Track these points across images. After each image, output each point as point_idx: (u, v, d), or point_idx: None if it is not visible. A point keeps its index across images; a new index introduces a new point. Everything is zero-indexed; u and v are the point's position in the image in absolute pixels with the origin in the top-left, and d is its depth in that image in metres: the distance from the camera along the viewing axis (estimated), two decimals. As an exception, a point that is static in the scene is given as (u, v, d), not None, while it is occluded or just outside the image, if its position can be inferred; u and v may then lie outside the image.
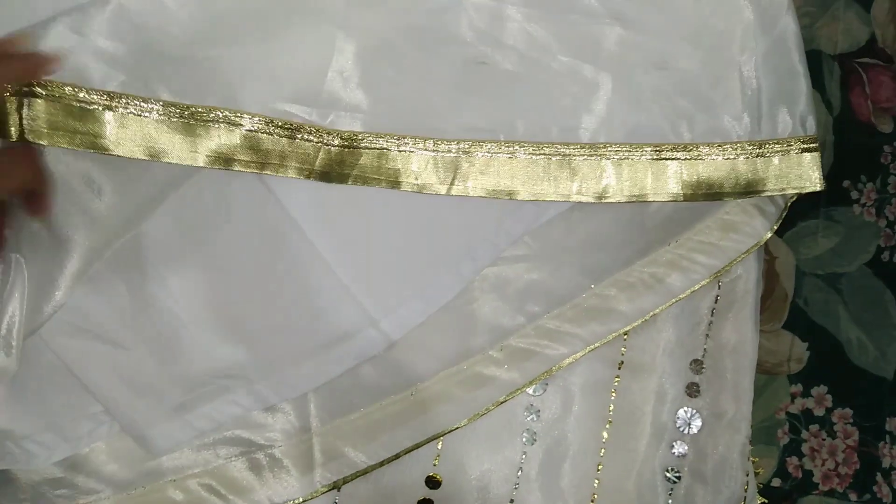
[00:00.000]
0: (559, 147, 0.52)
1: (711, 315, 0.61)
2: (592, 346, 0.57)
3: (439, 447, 0.58)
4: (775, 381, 0.63)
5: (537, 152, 0.52)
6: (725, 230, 0.59)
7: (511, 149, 0.52)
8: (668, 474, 0.59)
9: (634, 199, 0.53)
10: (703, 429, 0.60)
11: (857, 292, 0.65)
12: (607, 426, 0.59)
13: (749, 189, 0.53)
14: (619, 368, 0.60)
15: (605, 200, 0.53)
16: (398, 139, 0.51)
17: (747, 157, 0.53)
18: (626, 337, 0.59)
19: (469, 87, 0.51)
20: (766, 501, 0.60)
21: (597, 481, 0.58)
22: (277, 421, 0.58)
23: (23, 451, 0.54)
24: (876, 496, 0.62)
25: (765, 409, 0.62)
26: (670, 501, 0.59)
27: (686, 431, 0.59)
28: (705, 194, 0.54)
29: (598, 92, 0.52)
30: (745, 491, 0.60)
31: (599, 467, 0.59)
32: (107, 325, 0.54)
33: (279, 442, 0.57)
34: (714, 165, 0.54)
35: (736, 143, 0.53)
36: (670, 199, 0.53)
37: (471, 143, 0.51)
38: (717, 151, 0.53)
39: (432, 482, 0.56)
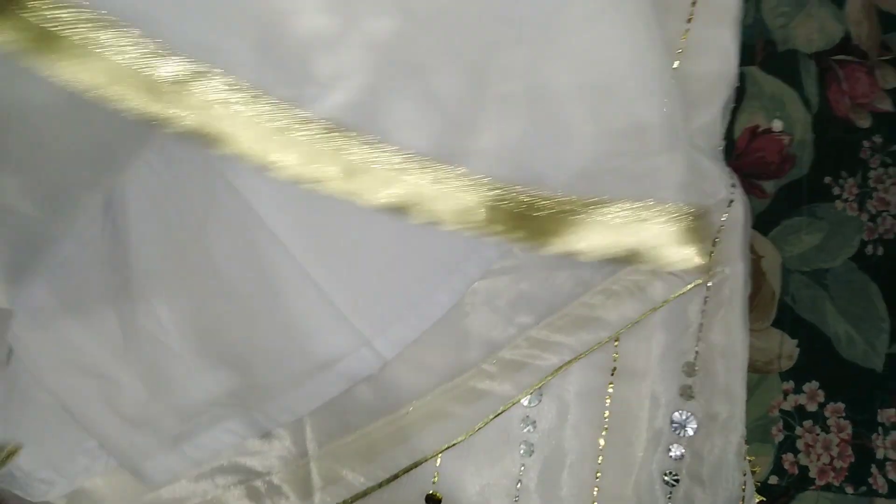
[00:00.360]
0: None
1: (701, 317, 0.61)
2: (582, 355, 0.57)
3: (437, 464, 0.58)
4: (767, 379, 0.63)
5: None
6: None
7: None
8: (666, 478, 0.59)
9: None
10: (698, 431, 0.60)
11: (844, 287, 0.66)
12: (604, 433, 0.59)
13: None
14: (613, 375, 0.60)
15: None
16: None
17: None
18: (617, 343, 0.59)
19: None
20: (765, 500, 0.61)
21: (596, 489, 0.59)
22: (274, 447, 0.57)
23: (27, 483, 0.54)
24: (872, 488, 0.63)
25: (758, 408, 0.63)
26: (670, 504, 0.59)
27: (682, 434, 0.60)
28: None
29: None
30: (744, 491, 0.61)
31: (598, 474, 0.59)
32: (99, 358, 0.54)
33: (277, 468, 0.57)
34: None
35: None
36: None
37: None
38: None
39: (432, 500, 0.56)
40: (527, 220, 0.52)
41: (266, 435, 0.56)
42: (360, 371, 0.55)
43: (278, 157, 0.46)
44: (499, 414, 0.57)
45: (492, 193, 0.51)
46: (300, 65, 0.47)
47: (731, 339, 0.61)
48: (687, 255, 0.53)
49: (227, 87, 0.45)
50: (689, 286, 0.57)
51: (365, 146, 0.48)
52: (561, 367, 0.57)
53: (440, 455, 0.57)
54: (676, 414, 0.60)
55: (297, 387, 0.55)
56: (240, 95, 0.46)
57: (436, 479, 0.57)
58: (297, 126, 0.47)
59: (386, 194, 0.49)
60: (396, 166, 0.49)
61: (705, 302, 0.61)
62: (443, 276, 0.56)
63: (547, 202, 0.52)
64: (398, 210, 0.49)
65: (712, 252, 0.55)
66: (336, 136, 0.48)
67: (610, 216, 0.52)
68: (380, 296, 0.54)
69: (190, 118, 0.45)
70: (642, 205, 0.53)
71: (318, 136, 0.47)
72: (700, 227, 0.53)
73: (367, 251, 0.55)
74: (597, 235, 0.52)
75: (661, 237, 0.53)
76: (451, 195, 0.50)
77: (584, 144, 0.53)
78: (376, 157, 0.49)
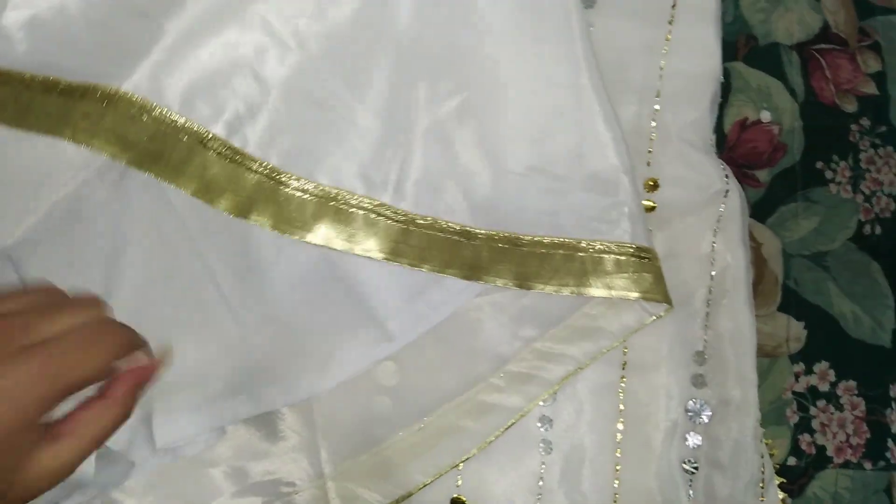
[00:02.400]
0: None
1: (707, 306, 0.63)
2: (585, 364, 0.59)
3: (460, 468, 0.59)
4: (778, 363, 0.65)
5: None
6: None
7: None
8: (685, 466, 0.61)
9: None
10: (713, 418, 0.62)
11: (845, 267, 0.68)
12: (620, 426, 0.61)
13: None
14: (624, 369, 0.62)
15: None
16: None
17: None
18: (626, 338, 0.61)
19: None
20: (785, 481, 0.63)
21: (617, 481, 0.60)
22: (292, 470, 0.59)
23: None
24: (890, 462, 0.64)
25: (772, 392, 0.64)
26: (691, 493, 0.60)
27: (697, 422, 0.61)
28: None
29: None
30: (763, 473, 0.62)
31: (618, 467, 0.61)
32: None
33: (296, 490, 0.58)
34: None
35: None
36: None
37: None
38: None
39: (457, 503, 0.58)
40: (457, 253, 0.54)
41: (284, 456, 0.57)
42: (373, 353, 0.57)
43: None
44: (509, 427, 0.58)
45: (417, 225, 0.54)
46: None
47: (738, 325, 0.63)
48: (633, 290, 0.56)
49: None
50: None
51: (292, 180, 0.52)
52: (566, 377, 0.59)
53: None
54: (690, 402, 0.62)
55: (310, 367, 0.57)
56: None
57: (459, 482, 0.59)
58: None
59: (314, 228, 0.53)
60: (320, 198, 0.53)
61: (710, 291, 0.63)
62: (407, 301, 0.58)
63: (481, 234, 0.55)
64: (327, 243, 0.53)
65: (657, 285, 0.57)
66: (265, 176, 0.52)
67: (553, 250, 0.56)
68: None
69: None
70: (586, 242, 0.56)
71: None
72: (648, 264, 0.56)
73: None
74: (532, 268, 0.55)
75: (605, 273, 0.55)
76: (376, 227, 0.53)
77: (517, 182, 0.56)
78: (300, 191, 0.52)
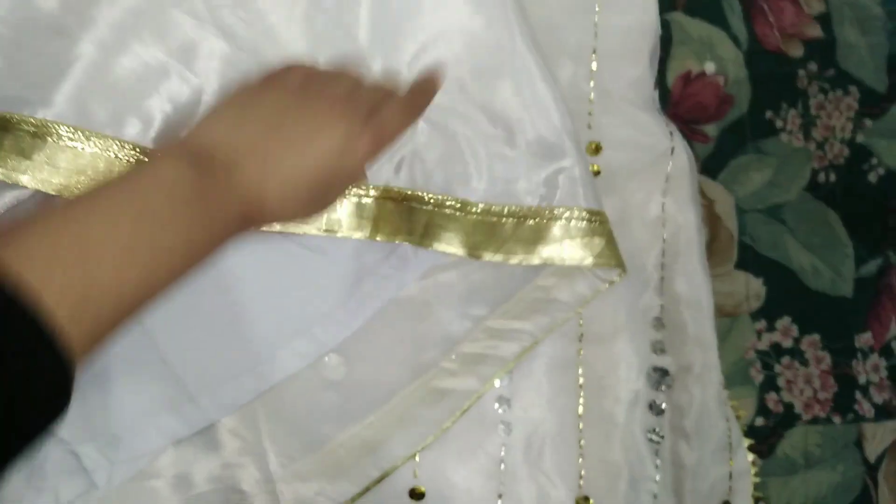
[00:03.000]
0: None
1: (661, 270, 0.61)
2: (540, 338, 0.57)
3: (417, 459, 0.57)
4: (739, 322, 0.64)
5: None
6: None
7: None
8: (650, 436, 0.59)
9: None
10: (675, 384, 0.60)
11: (802, 218, 0.66)
12: (581, 401, 0.60)
13: None
14: (581, 341, 0.60)
15: None
16: None
17: None
18: (583, 307, 0.59)
19: None
20: (754, 442, 0.61)
21: (581, 457, 0.59)
22: (240, 475, 0.57)
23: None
24: (858, 414, 0.64)
25: (734, 352, 0.63)
26: (658, 462, 0.59)
27: (659, 389, 0.60)
28: None
29: None
30: (730, 437, 0.61)
31: (581, 442, 0.59)
32: None
33: (245, 498, 0.56)
34: None
35: None
36: None
37: None
38: None
39: (415, 495, 0.56)
40: (408, 219, 0.53)
41: (231, 465, 0.56)
42: (298, 362, 0.55)
43: None
44: (465, 410, 0.56)
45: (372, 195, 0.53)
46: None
47: (693, 287, 0.61)
48: (584, 256, 0.53)
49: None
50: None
51: None
52: (522, 353, 0.57)
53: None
54: (651, 370, 0.60)
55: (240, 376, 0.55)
56: None
57: (416, 472, 0.57)
58: None
59: None
60: None
61: (663, 254, 0.62)
62: (286, 338, 0.56)
63: (431, 199, 0.53)
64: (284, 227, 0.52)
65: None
66: None
67: (503, 218, 0.54)
68: (215, 359, 0.55)
69: None
70: (535, 208, 0.54)
71: None
72: (598, 227, 0.53)
73: (208, 319, 0.55)
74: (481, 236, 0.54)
75: (554, 240, 0.54)
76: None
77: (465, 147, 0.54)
78: None
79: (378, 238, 0.53)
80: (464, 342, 0.58)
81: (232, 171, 0.39)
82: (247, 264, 0.53)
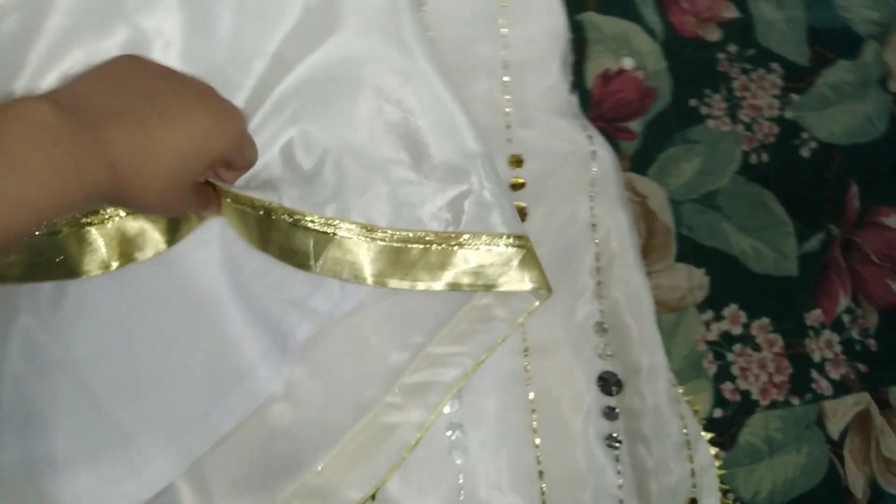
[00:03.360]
0: None
1: (598, 275, 0.61)
2: (484, 358, 0.57)
3: (374, 500, 0.57)
4: (685, 315, 0.63)
5: None
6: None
7: None
8: (608, 442, 0.59)
9: None
10: (625, 388, 0.60)
11: (737, 203, 0.66)
12: (534, 415, 0.59)
13: None
14: (527, 355, 0.60)
15: None
16: None
17: None
18: (521, 322, 0.58)
19: None
20: (714, 434, 0.61)
21: (541, 473, 0.58)
22: None
23: None
24: (817, 393, 0.63)
25: (684, 345, 0.63)
26: (619, 467, 0.59)
27: (611, 394, 0.60)
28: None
29: None
30: (686, 434, 0.60)
31: (539, 457, 0.59)
32: None
33: None
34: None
35: None
36: None
37: None
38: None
39: (374, 531, 0.56)
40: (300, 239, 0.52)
41: None
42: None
43: None
44: (416, 443, 0.56)
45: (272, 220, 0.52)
46: None
47: (632, 290, 0.61)
48: (522, 281, 0.53)
49: None
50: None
51: None
52: (466, 377, 0.57)
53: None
54: (600, 376, 0.60)
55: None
56: None
57: (374, 506, 0.57)
58: None
59: None
60: None
61: (597, 258, 0.61)
62: (232, 382, 0.55)
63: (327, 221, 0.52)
64: None
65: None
66: None
67: (410, 244, 0.53)
68: (165, 412, 0.54)
69: None
70: (444, 234, 0.53)
71: None
72: (517, 253, 0.53)
73: (153, 373, 0.54)
74: (386, 262, 0.53)
75: (463, 263, 0.53)
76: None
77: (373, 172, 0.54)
78: None
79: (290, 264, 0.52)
80: (406, 373, 0.58)
81: (101, 131, 0.37)
82: (161, 327, 0.52)
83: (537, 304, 0.56)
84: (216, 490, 0.55)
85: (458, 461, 0.57)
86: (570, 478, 0.59)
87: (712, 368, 0.63)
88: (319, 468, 0.55)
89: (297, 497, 0.55)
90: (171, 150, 0.40)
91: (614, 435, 0.59)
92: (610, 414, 0.59)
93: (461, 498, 0.57)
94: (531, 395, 0.59)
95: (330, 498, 0.55)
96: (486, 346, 0.57)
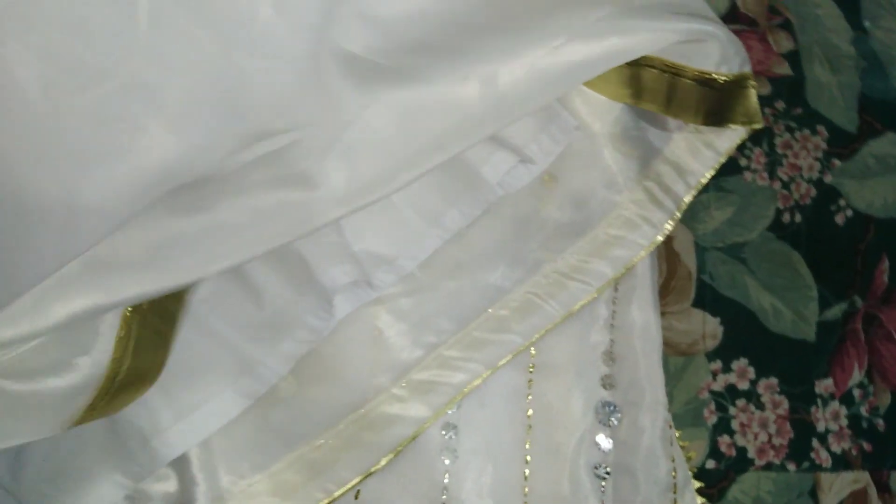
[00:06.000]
0: None
1: (613, 304, 0.64)
2: (493, 369, 0.60)
3: (357, 498, 0.60)
4: (693, 361, 0.66)
5: None
6: (611, 243, 0.63)
7: None
8: (597, 471, 0.61)
9: None
10: (622, 420, 0.62)
11: (763, 258, 0.69)
12: (529, 432, 0.62)
13: None
14: (532, 372, 0.63)
15: None
16: None
17: None
18: (536, 339, 0.62)
19: None
20: (703, 485, 0.63)
21: (527, 488, 0.61)
22: (193, 492, 0.59)
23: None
24: (815, 462, 0.66)
25: (687, 391, 0.66)
26: (603, 499, 0.61)
27: (607, 424, 0.62)
28: None
29: None
30: (674, 478, 0.63)
31: (527, 474, 0.62)
32: None
33: None
34: None
35: None
36: None
37: None
38: None
39: (356, 520, 0.59)
40: None
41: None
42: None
43: None
44: (415, 435, 0.59)
45: None
46: None
47: (644, 324, 0.65)
48: None
49: None
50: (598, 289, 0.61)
51: None
52: (474, 383, 0.60)
53: (359, 486, 0.59)
54: (599, 404, 0.62)
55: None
56: None
57: (358, 496, 0.60)
58: None
59: None
60: None
61: (615, 289, 0.64)
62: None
63: None
64: None
65: None
66: None
67: None
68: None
69: None
70: None
71: None
72: None
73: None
74: None
75: None
76: None
77: None
78: None
79: None
80: (414, 369, 0.61)
81: None
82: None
83: (556, 321, 0.60)
84: (217, 447, 0.59)
85: (447, 461, 0.61)
86: (553, 499, 0.62)
87: (712, 419, 0.66)
88: (319, 443, 0.59)
89: (292, 466, 0.59)
90: None
91: (604, 466, 0.61)
92: (603, 443, 0.62)
93: (444, 497, 0.60)
94: (529, 412, 0.62)
95: (323, 473, 0.59)
96: (498, 357, 0.61)
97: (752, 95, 0.57)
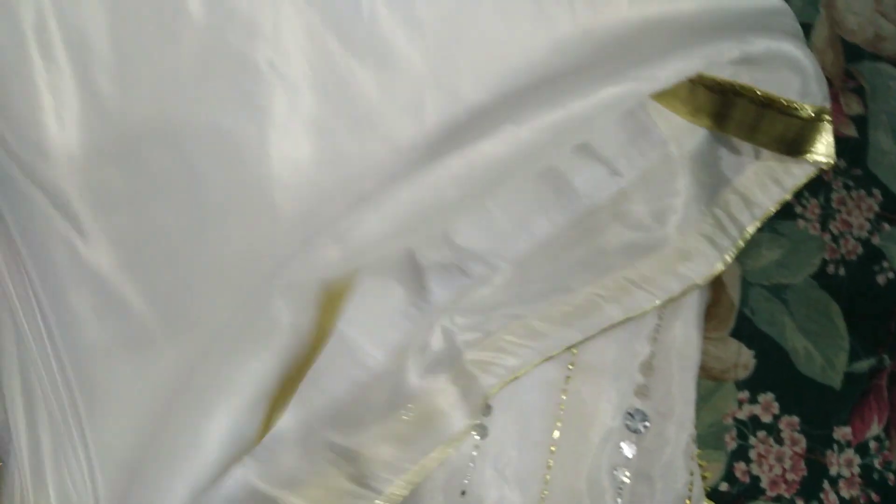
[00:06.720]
0: None
1: (659, 319, 0.68)
2: (546, 358, 0.63)
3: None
4: (723, 387, 0.70)
5: None
6: (680, 260, 0.67)
7: None
8: (616, 474, 0.65)
9: None
10: (650, 429, 0.66)
11: (803, 303, 0.73)
12: (558, 424, 0.66)
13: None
14: (571, 369, 0.67)
15: None
16: None
17: None
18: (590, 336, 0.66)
19: None
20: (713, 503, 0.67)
21: (547, 477, 0.65)
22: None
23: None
24: (822, 503, 0.69)
25: (712, 414, 0.70)
26: (619, 501, 0.64)
27: (635, 431, 0.66)
28: None
29: None
30: (690, 490, 0.66)
31: (550, 464, 0.65)
32: None
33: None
34: None
35: None
36: None
37: None
38: None
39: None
40: None
41: None
42: None
43: None
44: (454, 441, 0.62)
45: None
46: None
47: (686, 341, 0.69)
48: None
49: None
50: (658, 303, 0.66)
51: None
52: (524, 370, 0.64)
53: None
54: (630, 412, 0.66)
55: None
56: None
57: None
58: None
59: None
60: None
61: (664, 303, 0.68)
62: None
63: None
64: None
65: None
66: None
67: None
68: None
69: None
70: None
71: None
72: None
73: None
74: None
75: None
76: None
77: None
78: None
79: None
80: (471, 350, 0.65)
81: None
82: None
83: (612, 325, 0.65)
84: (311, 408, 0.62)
85: (477, 437, 0.64)
86: (570, 494, 0.66)
87: (732, 445, 0.70)
88: (406, 418, 0.62)
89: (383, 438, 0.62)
90: None
91: (625, 470, 0.65)
92: (627, 449, 0.65)
93: (470, 465, 0.63)
94: (562, 406, 0.66)
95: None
96: (553, 348, 0.65)
97: (830, 131, 0.62)
